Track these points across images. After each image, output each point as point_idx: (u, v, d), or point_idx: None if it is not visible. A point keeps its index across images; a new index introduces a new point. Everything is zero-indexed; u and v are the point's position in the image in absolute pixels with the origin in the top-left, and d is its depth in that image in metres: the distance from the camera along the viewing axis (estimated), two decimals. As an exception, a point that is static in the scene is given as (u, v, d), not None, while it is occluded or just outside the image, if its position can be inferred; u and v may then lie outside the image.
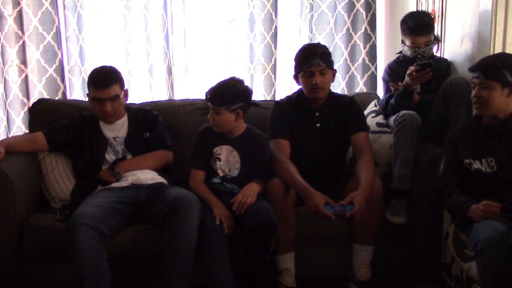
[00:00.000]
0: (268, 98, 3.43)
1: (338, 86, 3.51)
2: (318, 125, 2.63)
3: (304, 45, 2.67)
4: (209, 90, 2.46)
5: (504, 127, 2.20)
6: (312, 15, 3.45)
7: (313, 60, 2.48)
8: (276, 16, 3.40)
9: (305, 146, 2.61)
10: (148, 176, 2.55)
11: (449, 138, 2.35)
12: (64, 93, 3.29)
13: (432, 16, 2.97)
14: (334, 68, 2.63)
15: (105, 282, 2.14)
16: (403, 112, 2.64)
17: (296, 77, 2.62)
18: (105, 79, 2.56)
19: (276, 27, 3.41)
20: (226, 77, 2.52)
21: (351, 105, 2.66)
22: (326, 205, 2.28)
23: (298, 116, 2.62)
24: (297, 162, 2.53)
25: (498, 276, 1.88)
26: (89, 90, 2.62)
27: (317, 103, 2.61)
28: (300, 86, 2.64)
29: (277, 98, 3.24)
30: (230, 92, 2.42)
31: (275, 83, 3.48)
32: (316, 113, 2.63)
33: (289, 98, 2.71)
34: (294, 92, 2.73)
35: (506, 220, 2.04)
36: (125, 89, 2.67)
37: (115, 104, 2.57)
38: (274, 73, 3.47)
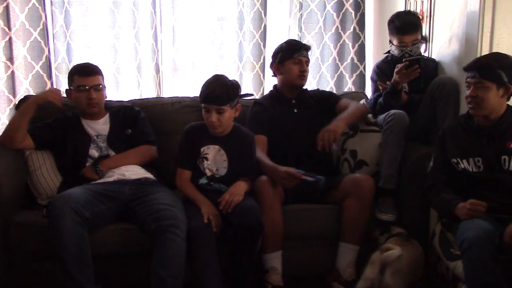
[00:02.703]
0: (257, 97, 3.42)
1: (327, 85, 3.52)
2: (295, 110, 2.81)
3: (291, 39, 2.95)
4: (209, 92, 2.37)
5: (494, 128, 2.21)
6: (301, 14, 3.45)
7: (303, 51, 2.77)
8: (265, 14, 3.40)
9: (287, 133, 2.73)
10: (133, 171, 2.55)
11: (439, 136, 2.36)
12: (51, 90, 3.27)
13: (420, 16, 2.99)
14: (312, 64, 2.98)
15: (89, 266, 2.17)
16: (392, 111, 2.65)
17: (278, 66, 2.80)
18: (90, 68, 2.65)
19: (265, 26, 3.41)
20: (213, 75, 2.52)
21: (320, 91, 3.01)
22: (298, 170, 2.39)
23: (276, 107, 2.79)
24: (281, 152, 2.63)
25: (484, 274, 1.89)
26: (72, 81, 2.62)
27: (293, 93, 2.83)
28: (274, 79, 2.88)
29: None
30: (231, 88, 2.41)
31: (264, 81, 3.48)
32: (292, 101, 2.83)
33: (266, 96, 2.95)
34: (270, 91, 2.94)
35: (492, 219, 2.06)
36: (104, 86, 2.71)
37: (98, 94, 2.61)
38: (263, 71, 3.47)
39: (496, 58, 2.21)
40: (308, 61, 2.80)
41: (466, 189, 2.22)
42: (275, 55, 2.83)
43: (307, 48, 2.81)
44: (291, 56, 2.74)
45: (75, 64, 3.17)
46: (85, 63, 2.73)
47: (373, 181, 2.54)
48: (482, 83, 2.16)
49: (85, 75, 2.59)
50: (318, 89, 3.07)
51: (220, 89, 2.37)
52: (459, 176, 2.26)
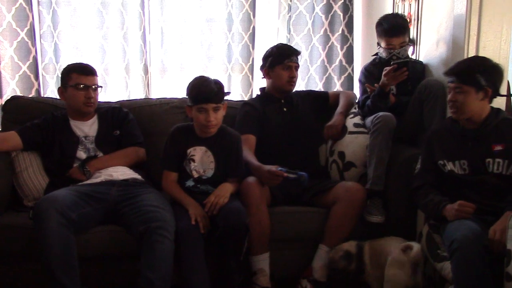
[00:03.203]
0: (246, 98, 3.43)
1: (316, 86, 3.53)
2: (285, 109, 2.87)
3: (281, 43, 2.99)
4: (207, 92, 2.36)
5: (478, 131, 2.23)
6: (290, 16, 3.46)
7: (292, 56, 2.81)
8: (254, 16, 3.40)
9: (276, 132, 2.79)
10: (121, 172, 2.54)
11: (426, 138, 2.38)
12: (38, 91, 3.25)
13: (407, 19, 3.01)
14: (301, 66, 3.06)
15: (75, 268, 2.15)
16: (380, 113, 2.67)
17: (268, 70, 2.85)
18: (90, 68, 2.66)
19: (254, 27, 3.41)
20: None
21: (309, 91, 3.15)
22: (280, 168, 2.43)
23: (266, 106, 2.86)
24: (271, 151, 2.71)
25: (473, 275, 1.91)
26: (69, 78, 2.60)
27: (282, 95, 2.89)
28: (264, 81, 2.94)
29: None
30: (221, 86, 2.44)
31: (252, 83, 3.49)
32: (281, 100, 2.89)
33: (254, 98, 3.02)
34: (257, 95, 3.01)
35: (479, 221, 2.07)
36: None
37: (96, 95, 2.63)
38: (252, 73, 3.47)
39: (474, 63, 2.24)
40: (297, 66, 2.85)
41: (453, 191, 2.24)
42: (265, 58, 2.86)
43: (297, 53, 2.84)
44: (281, 61, 2.79)
45: (63, 64, 3.18)
46: (83, 63, 2.74)
47: (364, 193, 2.58)
48: (461, 88, 2.19)
49: (86, 73, 2.61)
50: (308, 90, 3.21)
51: (215, 88, 2.39)
52: (445, 178, 2.28)
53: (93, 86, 2.63)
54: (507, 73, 2.69)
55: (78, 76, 2.59)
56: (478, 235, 1.96)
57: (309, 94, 3.07)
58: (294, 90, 2.92)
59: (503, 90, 2.53)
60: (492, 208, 2.11)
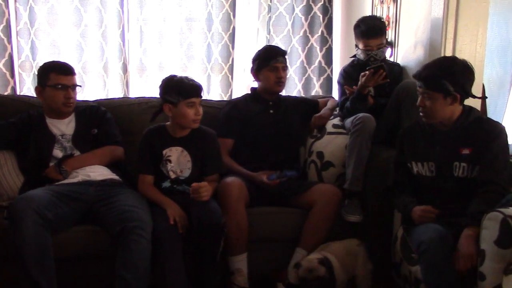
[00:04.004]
0: (225, 98, 3.43)
1: (295, 87, 3.54)
2: (271, 111, 2.89)
3: (268, 45, 3.04)
4: (194, 85, 2.42)
5: (447, 134, 2.22)
6: (270, 16, 3.47)
7: (279, 57, 2.83)
8: (234, 16, 3.40)
9: (259, 133, 2.81)
10: (98, 172, 2.51)
11: (399, 137, 2.38)
12: (13, 89, 3.19)
13: (386, 22, 3.04)
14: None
15: (51, 268, 2.13)
16: (360, 114, 2.69)
17: (256, 73, 2.87)
18: (69, 67, 2.62)
19: (234, 28, 3.41)
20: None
21: (298, 97, 3.22)
22: (270, 177, 2.64)
23: (253, 106, 2.88)
24: (252, 152, 2.75)
25: (440, 276, 1.94)
26: (47, 78, 2.55)
27: (271, 97, 2.90)
28: (255, 82, 2.93)
29: (234, 99, 3.26)
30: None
31: (232, 83, 3.48)
32: (270, 102, 2.90)
33: (245, 95, 3.01)
34: (247, 93, 3.01)
35: (444, 223, 2.10)
36: None
37: (75, 94, 2.60)
38: (231, 73, 3.47)
39: (440, 68, 2.15)
40: (285, 66, 2.87)
41: (419, 193, 2.26)
42: (253, 62, 2.89)
43: (283, 53, 2.86)
44: (267, 64, 2.82)
45: (40, 62, 3.12)
46: (61, 61, 2.68)
47: (340, 196, 2.61)
48: (429, 94, 2.16)
49: (65, 73, 2.56)
50: (300, 96, 3.32)
51: (196, 82, 2.45)
52: (414, 178, 2.30)
53: (74, 86, 2.59)
54: (482, 76, 2.75)
55: (57, 76, 2.54)
56: (444, 237, 1.99)
57: (299, 100, 3.10)
58: (286, 95, 2.97)
59: (477, 90, 2.57)
60: (457, 211, 2.11)
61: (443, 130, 2.24)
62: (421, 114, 2.24)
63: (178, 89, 2.40)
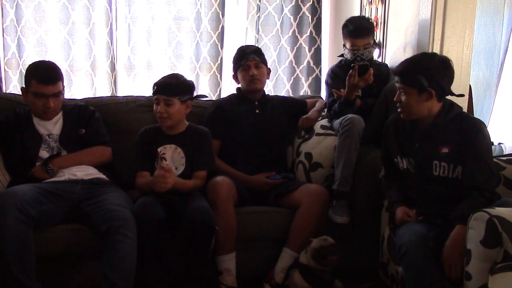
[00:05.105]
0: (214, 98, 3.42)
1: (283, 87, 3.55)
2: (257, 111, 2.89)
3: (240, 46, 3.00)
4: (159, 81, 2.48)
5: (426, 131, 2.19)
6: (258, 16, 3.47)
7: (248, 55, 2.81)
8: (223, 15, 3.40)
9: (246, 133, 2.81)
10: (85, 172, 2.49)
11: (383, 133, 2.37)
12: (-1, 87, 3.16)
13: (373, 22, 3.05)
14: (269, 67, 2.98)
15: (31, 264, 2.12)
16: (349, 115, 2.69)
17: (235, 76, 2.89)
18: (51, 75, 2.49)
19: (223, 27, 3.41)
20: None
21: (285, 97, 3.18)
22: (273, 176, 2.72)
23: (239, 106, 2.87)
24: (238, 152, 2.76)
25: (420, 277, 1.95)
26: (29, 84, 2.50)
27: (255, 96, 2.89)
28: (231, 80, 2.99)
29: (223, 98, 3.26)
30: (182, 83, 2.49)
31: (221, 82, 3.48)
32: (255, 102, 2.90)
33: (230, 95, 3.01)
34: (233, 93, 3.02)
35: (426, 223, 2.10)
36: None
37: (56, 101, 2.52)
38: (220, 72, 3.47)
39: (415, 63, 2.12)
40: (258, 62, 2.82)
41: (408, 189, 2.27)
42: (232, 65, 2.92)
43: (253, 50, 2.86)
44: (239, 65, 2.84)
45: (27, 60, 3.11)
46: (46, 66, 2.55)
47: (327, 196, 2.61)
48: (405, 89, 2.12)
49: (45, 83, 2.45)
50: (287, 96, 3.30)
51: (170, 81, 2.47)
52: (401, 174, 2.31)
53: (55, 94, 2.48)
54: (468, 77, 2.77)
55: (37, 85, 2.46)
56: (423, 238, 1.99)
57: (287, 100, 3.07)
58: (273, 95, 2.97)
59: (464, 91, 2.57)
60: (440, 211, 2.11)
61: (421, 127, 2.20)
62: (398, 110, 2.21)
63: (190, 86, 2.52)
